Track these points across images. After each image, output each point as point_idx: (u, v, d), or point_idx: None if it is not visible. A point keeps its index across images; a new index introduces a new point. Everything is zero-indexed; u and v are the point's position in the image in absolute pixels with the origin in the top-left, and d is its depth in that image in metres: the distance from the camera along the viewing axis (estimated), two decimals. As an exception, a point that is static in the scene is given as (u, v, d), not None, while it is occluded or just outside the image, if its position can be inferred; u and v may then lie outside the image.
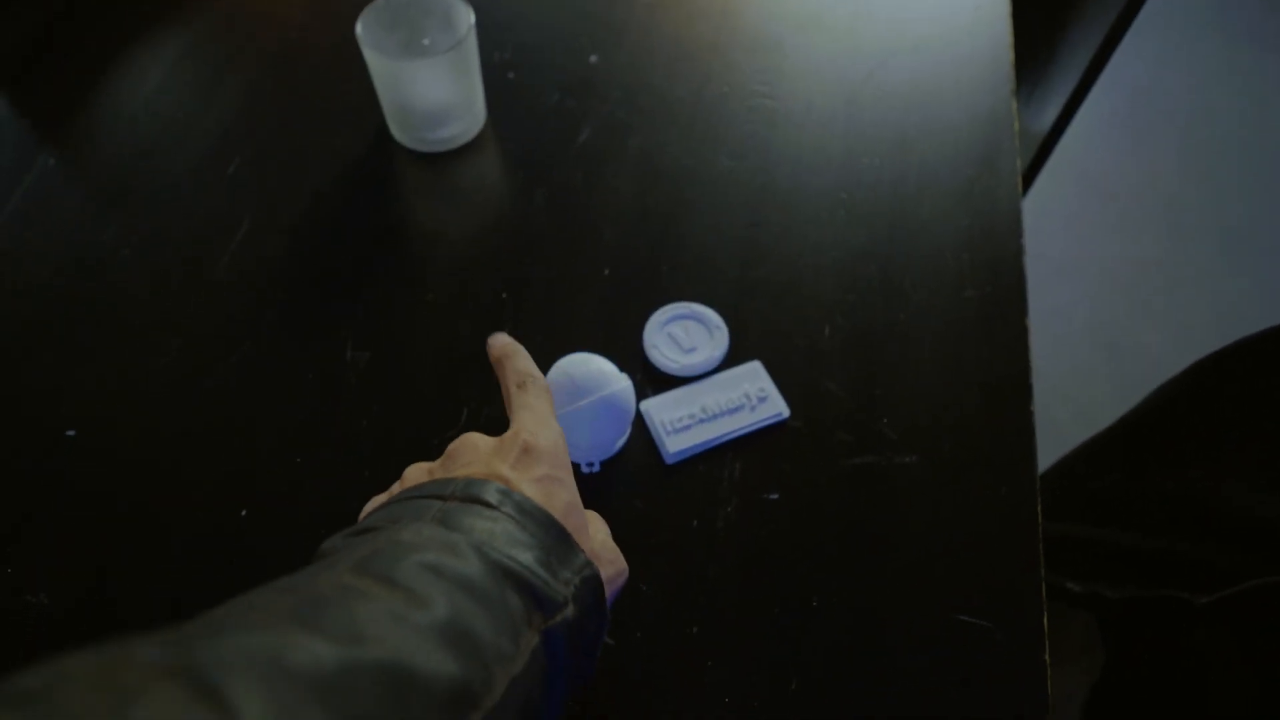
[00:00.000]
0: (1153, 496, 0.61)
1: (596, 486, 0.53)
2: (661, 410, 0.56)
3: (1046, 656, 0.48)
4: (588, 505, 0.40)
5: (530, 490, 0.35)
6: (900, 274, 0.63)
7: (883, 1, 0.80)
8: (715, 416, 0.55)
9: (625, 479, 0.54)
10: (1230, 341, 0.62)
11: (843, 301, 0.61)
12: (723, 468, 0.54)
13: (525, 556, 0.31)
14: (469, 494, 0.33)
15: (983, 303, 0.61)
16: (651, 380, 0.58)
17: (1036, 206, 1.73)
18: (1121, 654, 0.65)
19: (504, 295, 0.61)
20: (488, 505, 0.32)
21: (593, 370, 0.50)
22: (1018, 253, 0.63)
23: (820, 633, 0.49)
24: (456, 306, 0.61)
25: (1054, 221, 1.76)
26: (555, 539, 0.33)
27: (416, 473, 0.39)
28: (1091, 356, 1.57)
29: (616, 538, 0.50)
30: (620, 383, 0.51)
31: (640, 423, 0.56)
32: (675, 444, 0.54)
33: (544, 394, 0.41)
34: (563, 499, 0.36)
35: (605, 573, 0.37)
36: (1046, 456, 0.84)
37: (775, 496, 0.53)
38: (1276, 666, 0.51)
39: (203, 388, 0.57)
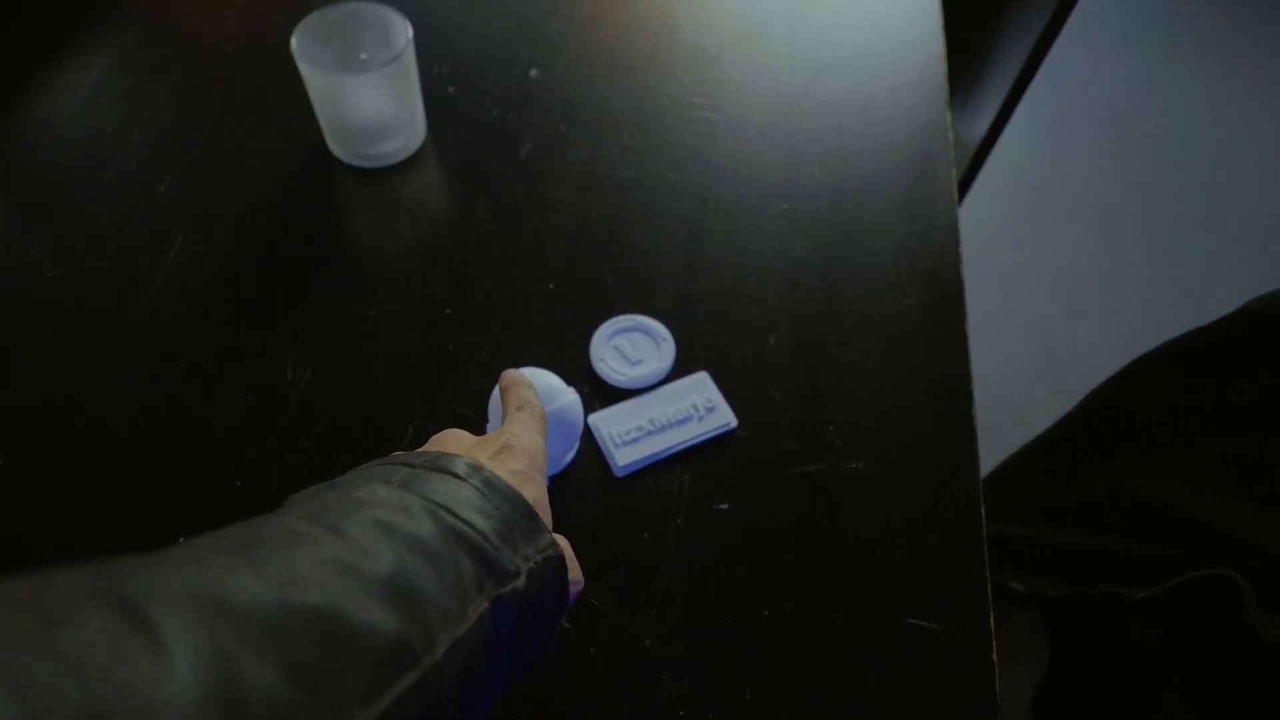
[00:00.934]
0: (1089, 496, 0.63)
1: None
2: (610, 423, 0.56)
3: (994, 656, 0.49)
4: None
5: (504, 475, 0.35)
6: (842, 283, 0.64)
7: (819, 14, 0.81)
8: (664, 428, 0.55)
9: (575, 493, 0.54)
10: (1162, 340, 0.64)
11: (787, 311, 0.62)
12: (672, 479, 0.54)
13: (483, 524, 0.31)
14: (438, 464, 0.34)
15: (923, 310, 0.62)
16: (599, 393, 0.58)
17: (972, 213, 1.77)
18: (1065, 650, 0.67)
19: (448, 310, 0.61)
20: (455, 475, 0.33)
21: (540, 384, 0.50)
22: (955, 260, 0.65)
23: (772, 642, 0.49)
24: (399, 322, 0.60)
25: (989, 227, 1.80)
26: (521, 517, 0.33)
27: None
28: (1028, 359, 1.61)
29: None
30: (568, 396, 0.51)
31: (589, 436, 0.56)
32: (624, 457, 0.54)
33: (538, 420, 0.43)
34: (533, 491, 0.36)
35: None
36: (988, 459, 0.86)
37: (725, 507, 0.53)
38: (1210, 655, 0.53)
39: (135, 412, 0.56)
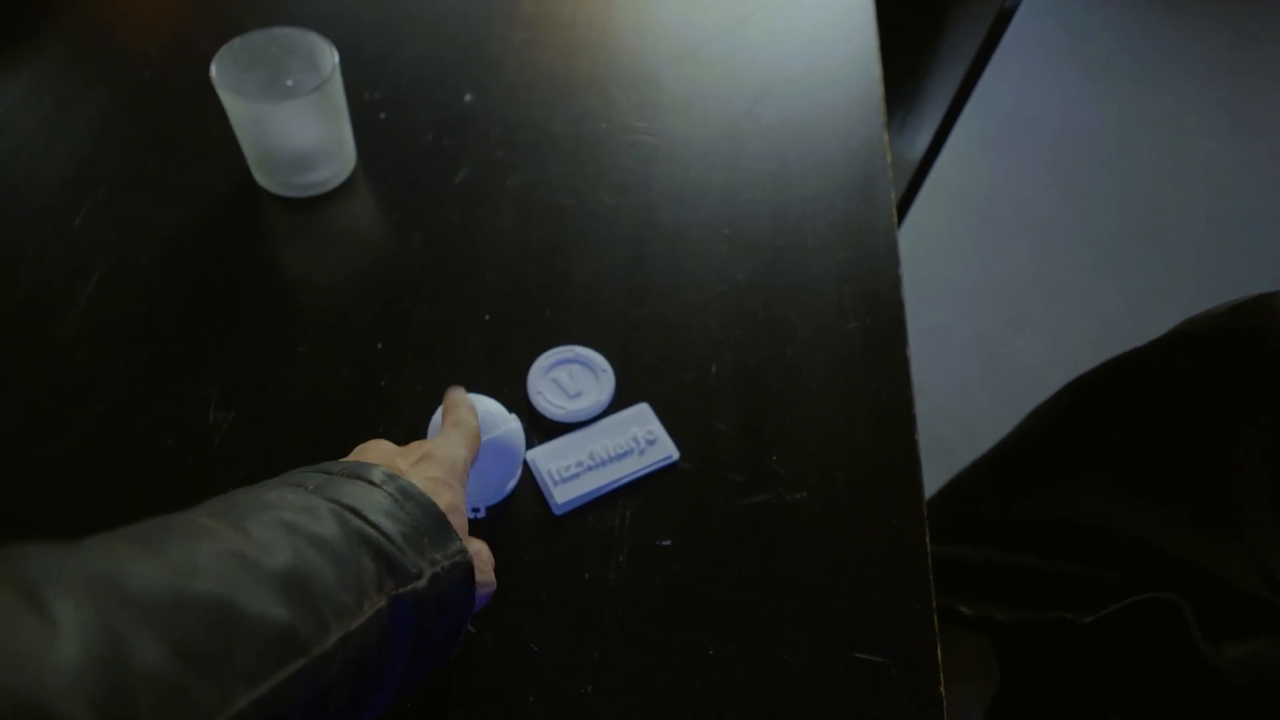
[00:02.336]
0: (1031, 518, 0.63)
1: (483, 538, 0.51)
2: (548, 459, 0.54)
3: (942, 689, 0.48)
4: None
5: (419, 483, 0.37)
6: (784, 307, 0.63)
7: (757, 36, 0.81)
8: (604, 463, 0.54)
9: (513, 532, 0.52)
10: (1103, 350, 0.65)
11: (729, 337, 0.61)
12: (613, 515, 0.53)
13: (390, 527, 0.32)
14: (354, 472, 0.35)
15: (865, 334, 0.62)
16: (537, 428, 0.56)
17: (914, 229, 1.79)
18: (1015, 673, 0.66)
19: (379, 345, 0.59)
20: (370, 482, 0.34)
21: (481, 412, 0.49)
22: (895, 283, 0.64)
23: (718, 681, 0.47)
24: (330, 358, 0.58)
25: (931, 243, 1.82)
26: (433, 523, 0.35)
27: None
28: (972, 373, 1.62)
29: (505, 594, 0.48)
30: (509, 424, 0.50)
31: (527, 473, 0.54)
32: (563, 494, 0.53)
33: (468, 438, 0.44)
34: (448, 499, 0.38)
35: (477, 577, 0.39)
36: (937, 474, 0.86)
37: (668, 543, 0.52)
38: (1157, 678, 0.53)
39: (48, 457, 0.53)
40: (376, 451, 0.41)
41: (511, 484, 0.53)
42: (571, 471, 0.53)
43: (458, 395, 0.48)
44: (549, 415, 0.56)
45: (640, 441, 0.55)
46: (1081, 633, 0.52)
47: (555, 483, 0.53)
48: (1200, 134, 2.10)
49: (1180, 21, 2.38)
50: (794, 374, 0.59)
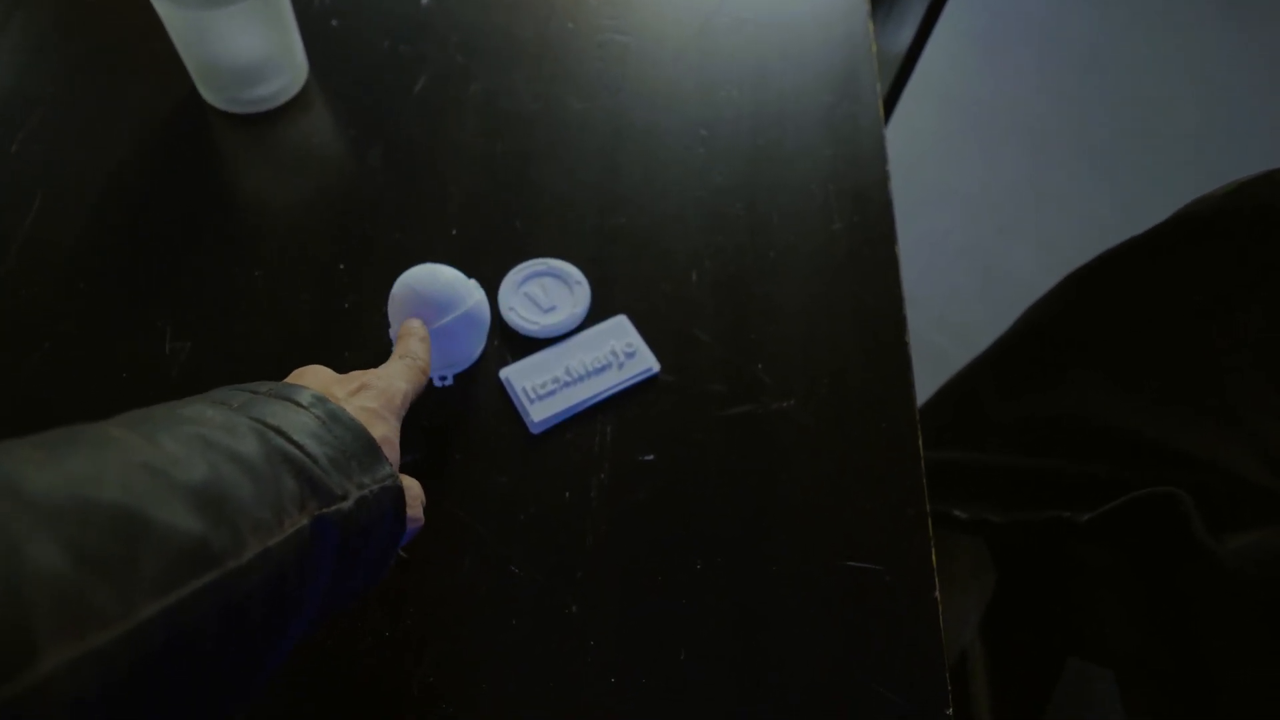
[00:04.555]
0: (1027, 418, 0.61)
1: (457, 463, 0.49)
2: (523, 377, 0.52)
3: (937, 594, 0.46)
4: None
5: (352, 410, 0.36)
6: (766, 210, 0.60)
7: (730, -76, 0.76)
8: (581, 378, 0.52)
9: (489, 453, 0.50)
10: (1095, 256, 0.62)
11: (709, 244, 0.58)
12: (593, 432, 0.51)
13: (315, 448, 0.31)
14: (282, 393, 0.33)
15: (851, 234, 0.59)
16: (510, 345, 0.54)
17: (903, 132, 1.74)
18: (1012, 574, 0.65)
19: (341, 266, 0.56)
20: (297, 404, 0.33)
21: (443, 283, 0.48)
22: (883, 180, 0.61)
23: (706, 597, 0.46)
24: (288, 283, 0.55)
25: (921, 146, 1.77)
26: (363, 449, 0.34)
27: None
28: (966, 279, 1.60)
29: (482, 517, 0.47)
30: (475, 295, 0.50)
31: (501, 391, 0.52)
32: (540, 412, 0.50)
33: (414, 372, 0.43)
34: (381, 429, 0.37)
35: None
36: (929, 382, 0.84)
37: (651, 457, 0.50)
38: (1156, 573, 0.51)
39: (-4, 399, 0.50)
40: (313, 377, 0.39)
41: (478, 352, 0.52)
42: (548, 389, 0.51)
43: (412, 325, 0.46)
44: (522, 331, 0.53)
45: (619, 355, 0.53)
46: (1079, 531, 0.51)
47: (531, 400, 0.51)
48: (1192, 26, 2.03)
49: (1176, -94, 2.28)
50: (778, 279, 0.57)
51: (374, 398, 0.38)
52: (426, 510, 0.41)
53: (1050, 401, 0.60)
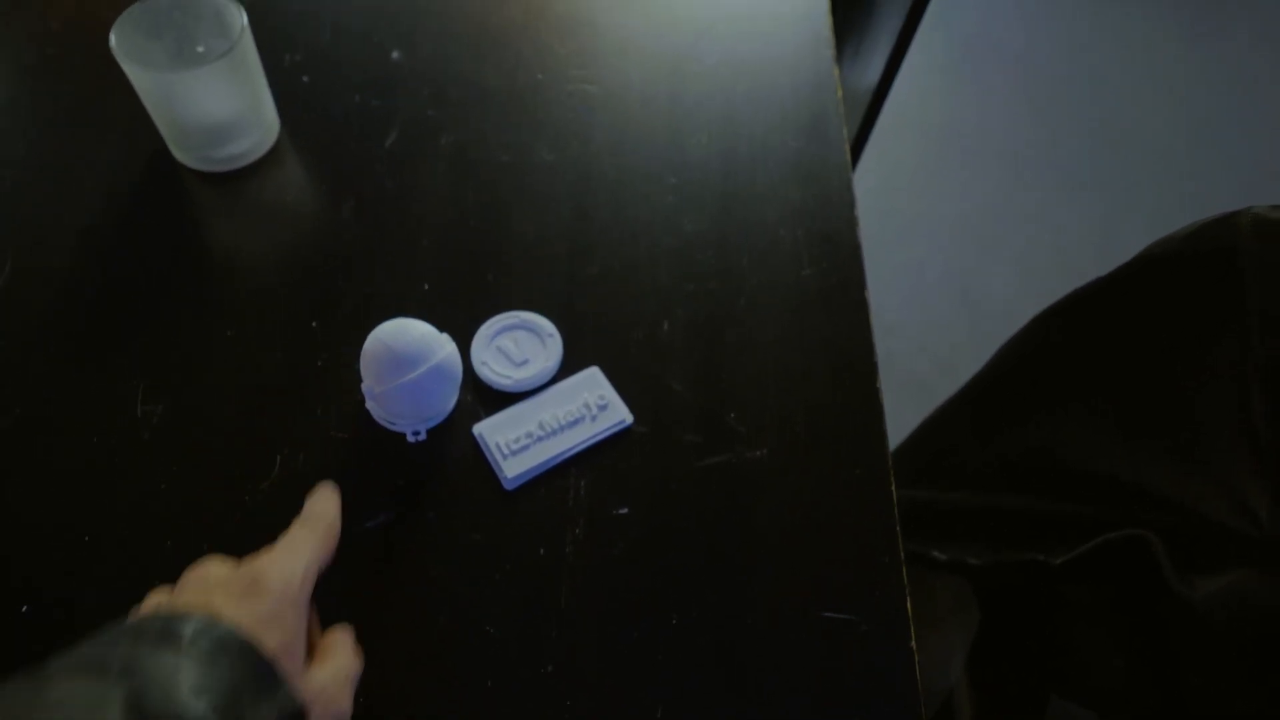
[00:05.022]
0: (1002, 458, 0.61)
1: (430, 521, 0.49)
2: (496, 432, 0.52)
3: (913, 644, 0.46)
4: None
5: (244, 623, 0.34)
6: (736, 256, 0.60)
7: (697, -29, 0.77)
8: (554, 432, 0.52)
9: (462, 510, 0.50)
10: (1076, 278, 0.62)
11: (680, 291, 0.59)
12: (567, 486, 0.51)
13: (200, 705, 0.30)
14: (165, 630, 0.32)
15: (821, 278, 0.59)
16: (483, 399, 0.54)
17: (880, 162, 1.76)
18: (995, 612, 0.65)
19: (314, 323, 0.56)
20: (178, 646, 0.31)
21: (415, 337, 0.49)
22: (852, 224, 0.62)
23: (683, 652, 0.46)
24: (260, 341, 0.55)
25: (899, 175, 1.79)
26: (255, 674, 0.32)
27: (154, 597, 0.38)
28: (946, 306, 1.61)
29: (456, 576, 0.46)
30: (446, 348, 0.50)
31: (475, 448, 0.52)
32: (513, 468, 0.50)
33: (320, 537, 0.40)
34: (277, 638, 0.34)
35: (318, 712, 0.35)
36: (915, 412, 0.84)
37: (625, 511, 0.50)
38: (1135, 613, 0.51)
39: (-35, 468, 0.50)
40: (200, 582, 0.36)
41: (451, 405, 0.52)
42: (521, 443, 0.51)
43: (320, 491, 0.43)
44: (495, 386, 0.54)
45: (592, 407, 0.53)
46: (1055, 573, 0.51)
47: (505, 456, 0.51)
48: (1160, 44, 2.06)
49: (1141, -68, 2.32)
50: (749, 326, 0.57)
51: (267, 598, 0.35)
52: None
53: (1023, 442, 0.60)
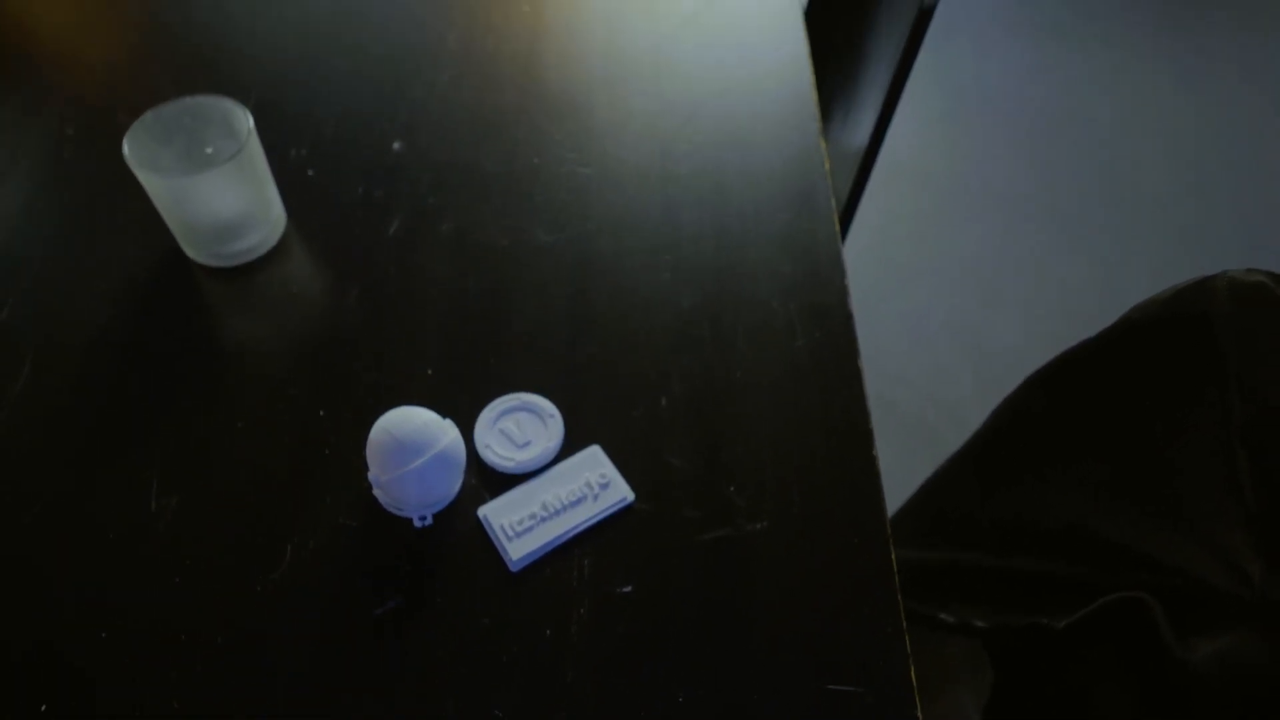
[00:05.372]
0: (1002, 520, 0.62)
1: (438, 606, 0.50)
2: (500, 514, 0.53)
3: (918, 713, 0.47)
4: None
5: None
6: (731, 329, 0.62)
7: (686, 53, 0.80)
8: (557, 512, 0.53)
9: (469, 595, 0.51)
10: (1077, 323, 0.63)
11: (677, 366, 0.60)
12: (571, 566, 0.52)
13: None
14: None
15: (815, 350, 0.61)
16: (488, 482, 0.55)
17: (880, 213, 1.78)
18: (1008, 669, 0.65)
19: (321, 411, 0.58)
20: None
21: (418, 425, 0.50)
22: (842, 294, 0.63)
23: (689, 730, 0.46)
24: (270, 431, 0.57)
25: (899, 225, 1.81)
26: None
27: None
28: (952, 355, 1.62)
29: (463, 660, 0.47)
30: (449, 434, 0.51)
31: (480, 531, 0.53)
32: (518, 550, 0.51)
33: None
34: None
35: None
36: (922, 462, 0.84)
37: (629, 589, 0.51)
38: (1141, 674, 0.52)
39: (-14, 568, 0.51)
40: None
41: (456, 490, 0.54)
42: (525, 525, 0.52)
43: None
44: (498, 468, 0.55)
45: (594, 486, 0.54)
46: (1059, 637, 0.51)
47: (510, 538, 0.52)
48: (1151, 90, 2.10)
49: (1125, -20, 2.37)
50: (745, 398, 0.58)
51: None
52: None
53: (1021, 503, 0.61)
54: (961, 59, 2.15)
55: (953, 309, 1.69)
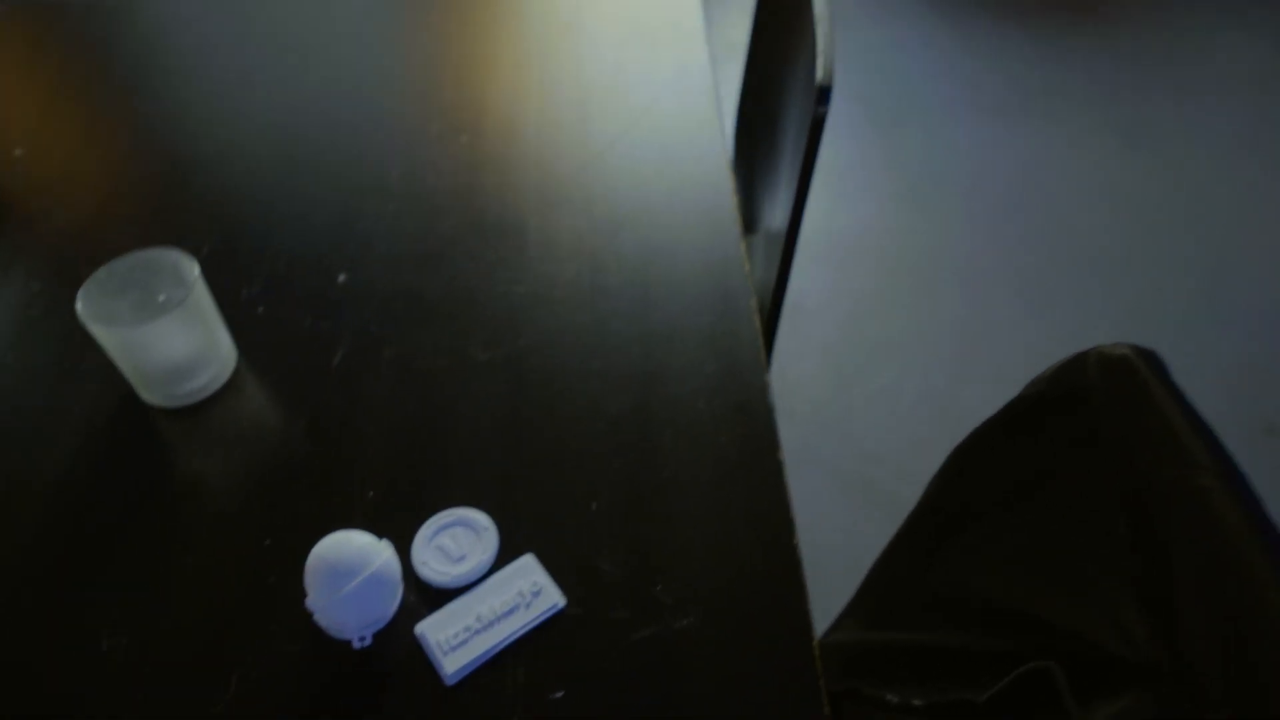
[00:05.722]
0: (931, 595, 0.64)
1: (371, 700, 0.52)
2: (436, 629, 0.55)
3: (841, 799, 0.48)
4: None
5: None
6: (659, 432, 0.65)
7: (615, 172, 0.85)
8: (491, 624, 0.55)
9: (408, 712, 0.52)
10: None
11: (607, 471, 0.63)
12: (505, 676, 0.54)
13: None
14: None
15: (739, 445, 0.64)
16: (426, 598, 0.57)
17: (845, 294, 1.83)
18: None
19: (267, 542, 0.60)
20: None
21: (351, 549, 0.53)
22: (763, 390, 0.67)
23: (620, 832, 0.47)
24: (217, 565, 0.59)
25: (865, 303, 1.86)
26: None
27: None
28: (926, 428, 1.64)
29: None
30: (383, 554, 0.54)
31: (417, 645, 0.55)
32: (453, 663, 0.53)
33: None
34: None
35: None
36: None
37: (561, 694, 0.53)
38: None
39: (-57, 719, 0.53)
40: None
41: (395, 607, 0.56)
42: (460, 638, 0.54)
43: None
44: (435, 584, 0.57)
45: (526, 595, 0.56)
46: (981, 711, 0.52)
47: (445, 653, 0.54)
48: (1097, 160, 2.17)
49: (1062, 54, 2.49)
50: (673, 497, 0.61)
51: None
52: None
53: (943, 580, 0.63)
54: (912, 143, 2.23)
55: (925, 383, 1.72)
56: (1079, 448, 0.51)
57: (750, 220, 1.09)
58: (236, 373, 0.71)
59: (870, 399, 1.68)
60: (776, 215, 1.16)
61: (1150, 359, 0.49)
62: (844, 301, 1.86)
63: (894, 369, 1.75)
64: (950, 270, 1.93)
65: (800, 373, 1.73)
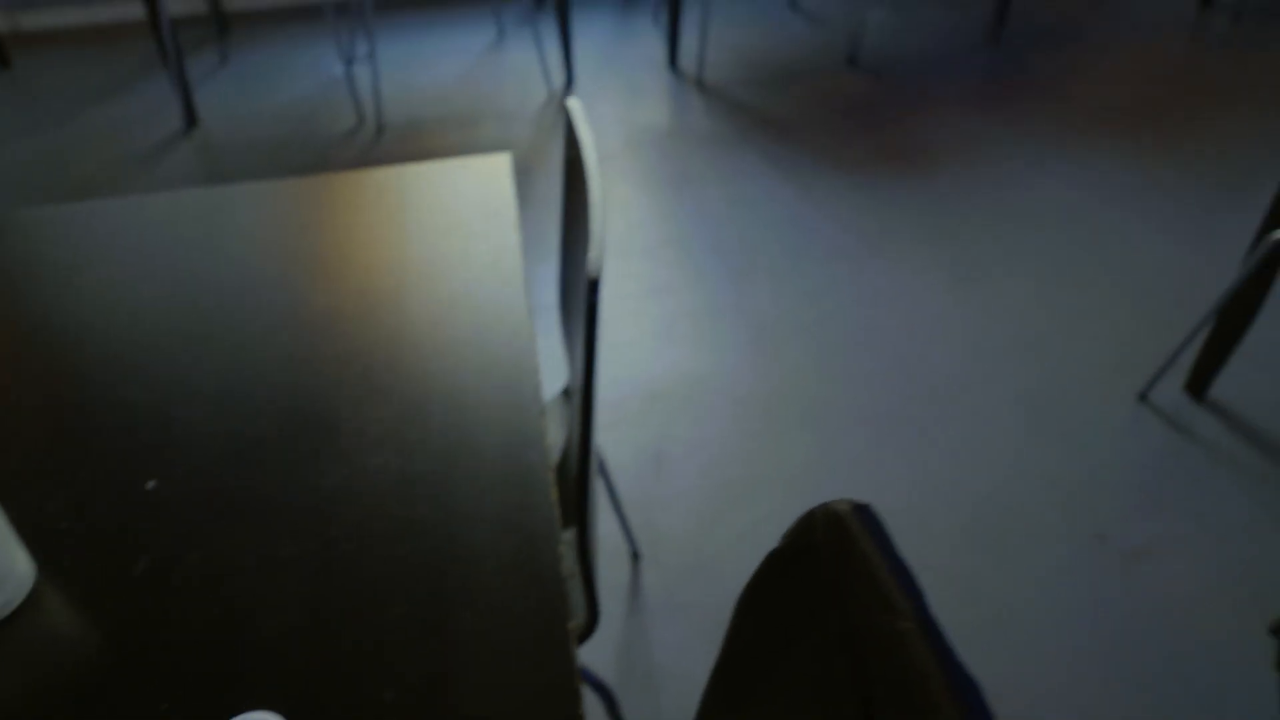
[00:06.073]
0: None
1: None
2: (219, 845, 0.55)
3: None
4: None
5: None
6: (458, 615, 0.67)
7: (427, 357, 0.90)
8: (276, 832, 0.55)
9: None
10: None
11: (404, 658, 0.64)
12: None
13: None
14: None
15: (532, 618, 0.66)
16: (212, 812, 0.57)
17: (712, 440, 1.90)
18: None
19: (50, 770, 0.59)
20: None
21: None
22: (555, 561, 0.70)
23: None
24: (-4, 801, 0.58)
25: (725, 447, 1.93)
26: None
27: None
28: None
29: None
30: None
31: None
32: None
33: None
34: None
35: None
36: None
37: None
38: None
39: None
40: None
41: None
42: None
43: None
44: (221, 796, 0.57)
45: (314, 797, 0.57)
46: None
47: None
48: (930, 293, 2.36)
49: (891, 200, 2.72)
50: (470, 677, 0.63)
51: None
52: None
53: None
54: (762, 290, 2.39)
55: (785, 520, 1.77)
56: (813, 595, 0.56)
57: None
58: (36, 590, 0.70)
59: (733, 542, 1.73)
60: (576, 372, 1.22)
61: (863, 513, 0.55)
62: (708, 447, 1.93)
63: (762, 507, 1.81)
64: (800, 409, 2.03)
65: (667, 522, 1.77)
